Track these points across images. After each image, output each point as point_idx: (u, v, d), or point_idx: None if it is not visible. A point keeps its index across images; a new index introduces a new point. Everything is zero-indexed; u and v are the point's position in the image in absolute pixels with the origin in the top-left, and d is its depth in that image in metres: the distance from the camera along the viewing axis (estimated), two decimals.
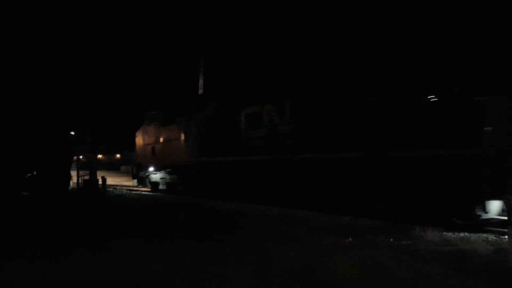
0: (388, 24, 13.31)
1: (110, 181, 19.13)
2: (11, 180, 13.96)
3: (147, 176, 16.13)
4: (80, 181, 15.17)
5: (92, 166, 15.47)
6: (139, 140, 17.26)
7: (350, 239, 6.03)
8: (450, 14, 12.20)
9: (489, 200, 6.29)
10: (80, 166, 16.55)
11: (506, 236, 5.24)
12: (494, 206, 6.35)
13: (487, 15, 11.22)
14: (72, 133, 18.96)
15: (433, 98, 7.41)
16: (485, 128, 6.26)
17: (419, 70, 10.86)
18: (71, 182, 15.66)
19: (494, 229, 6.35)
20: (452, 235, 6.08)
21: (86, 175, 14.93)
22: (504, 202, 6.07)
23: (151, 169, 15.72)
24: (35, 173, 14.84)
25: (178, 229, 7.23)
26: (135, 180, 17.21)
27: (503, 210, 6.34)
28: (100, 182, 14.47)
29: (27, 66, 13.96)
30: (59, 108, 14.55)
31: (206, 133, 13.24)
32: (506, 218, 5.78)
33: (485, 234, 6.13)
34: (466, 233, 6.16)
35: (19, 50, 13.95)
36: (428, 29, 12.70)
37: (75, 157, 17.52)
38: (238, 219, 8.37)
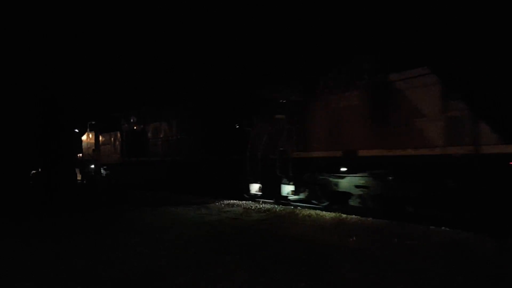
0: None
1: None
2: (18, 176, 15.65)
3: (90, 172, 21.00)
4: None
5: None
6: (84, 144, 21.99)
7: None
8: None
9: (251, 183, 11.44)
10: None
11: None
12: (254, 187, 11.50)
13: None
14: (77, 130, 22.84)
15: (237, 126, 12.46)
16: (248, 144, 11.34)
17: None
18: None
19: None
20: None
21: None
22: (260, 184, 11.26)
23: (92, 166, 20.58)
24: (39, 170, 17.44)
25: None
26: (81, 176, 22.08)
27: (259, 188, 11.48)
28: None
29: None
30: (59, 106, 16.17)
31: (127, 140, 18.06)
32: (261, 193, 11.04)
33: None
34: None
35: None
36: None
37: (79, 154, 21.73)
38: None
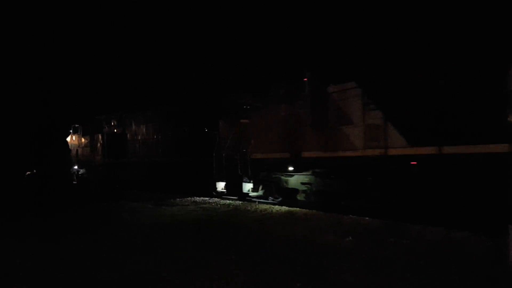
0: None
1: None
2: (13, 177, 15.57)
3: (74, 173, 22.04)
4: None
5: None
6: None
7: None
8: None
9: (217, 181, 12.64)
10: None
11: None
12: (220, 185, 12.71)
13: None
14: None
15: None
16: (215, 146, 12.54)
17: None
18: None
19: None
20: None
21: None
22: (225, 182, 12.48)
23: (75, 167, 21.61)
24: (34, 171, 18.14)
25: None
26: None
27: (225, 186, 12.68)
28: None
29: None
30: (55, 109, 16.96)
31: (108, 142, 19.12)
32: (225, 190, 12.26)
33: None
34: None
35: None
36: None
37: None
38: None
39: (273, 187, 10.90)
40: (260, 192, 11.45)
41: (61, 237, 7.07)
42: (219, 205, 10.88)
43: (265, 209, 9.70)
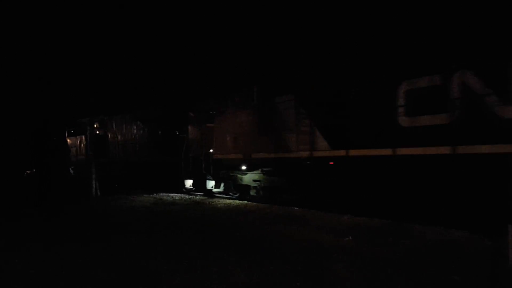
0: None
1: None
2: (13, 176, 15.69)
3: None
4: None
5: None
6: None
7: None
8: None
9: (185, 179, 14.14)
10: None
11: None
12: (188, 182, 14.20)
13: None
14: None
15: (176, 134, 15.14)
16: (183, 148, 14.02)
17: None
18: None
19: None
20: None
21: None
22: (192, 179, 13.97)
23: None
24: (34, 170, 18.63)
25: None
26: None
27: (192, 183, 14.17)
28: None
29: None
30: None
31: (91, 143, 20.50)
32: (193, 187, 13.76)
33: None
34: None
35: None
36: None
37: None
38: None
39: (231, 184, 12.43)
40: (221, 188, 12.98)
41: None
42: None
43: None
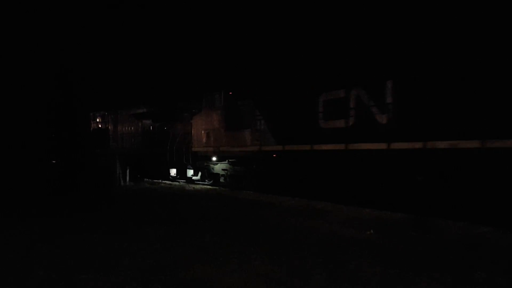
0: None
1: None
2: (39, 166, 15.38)
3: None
4: None
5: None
6: None
7: None
8: None
9: (171, 169, 16.43)
10: None
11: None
12: (173, 171, 16.48)
13: None
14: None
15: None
16: (169, 141, 16.28)
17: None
18: None
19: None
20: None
21: None
22: (176, 169, 16.27)
23: None
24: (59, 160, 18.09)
25: None
26: None
27: (176, 172, 16.45)
28: None
29: None
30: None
31: (93, 136, 22.96)
32: (177, 175, 16.07)
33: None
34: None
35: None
36: None
37: None
38: None
39: (206, 173, 14.70)
40: (199, 176, 15.26)
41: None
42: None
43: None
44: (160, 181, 16.32)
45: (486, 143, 6.26)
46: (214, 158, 13.89)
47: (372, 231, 6.20)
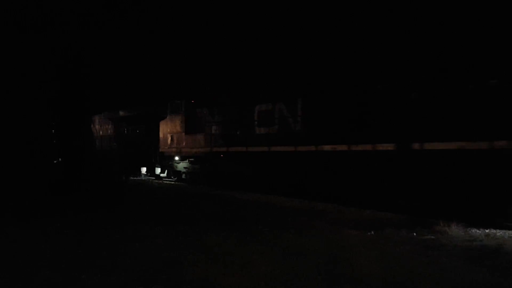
0: None
1: None
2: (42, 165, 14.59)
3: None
4: None
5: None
6: None
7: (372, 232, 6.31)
8: None
9: (141, 167, 18.46)
10: None
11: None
12: (143, 170, 18.51)
13: None
14: None
15: None
16: (141, 143, 18.30)
17: None
18: None
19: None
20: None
21: None
22: (146, 167, 18.31)
23: None
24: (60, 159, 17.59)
25: None
26: None
27: (146, 170, 18.47)
28: None
29: None
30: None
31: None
32: (148, 173, 18.13)
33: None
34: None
35: None
36: None
37: None
38: None
39: (171, 170, 16.80)
40: (165, 174, 17.34)
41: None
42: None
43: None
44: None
45: (351, 146, 8.57)
46: (177, 158, 16.00)
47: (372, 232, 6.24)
